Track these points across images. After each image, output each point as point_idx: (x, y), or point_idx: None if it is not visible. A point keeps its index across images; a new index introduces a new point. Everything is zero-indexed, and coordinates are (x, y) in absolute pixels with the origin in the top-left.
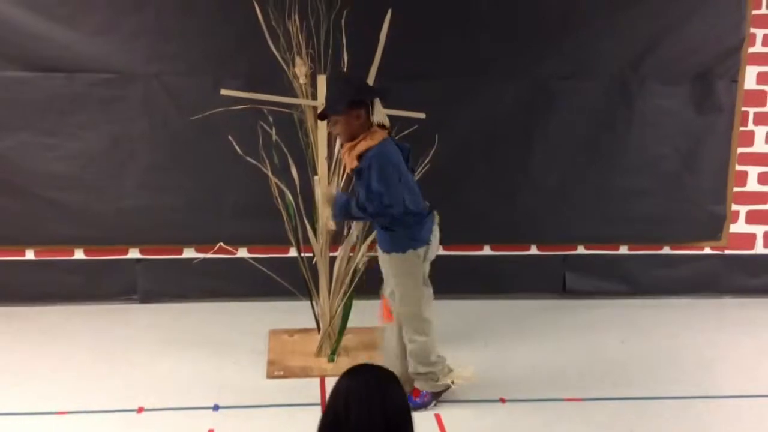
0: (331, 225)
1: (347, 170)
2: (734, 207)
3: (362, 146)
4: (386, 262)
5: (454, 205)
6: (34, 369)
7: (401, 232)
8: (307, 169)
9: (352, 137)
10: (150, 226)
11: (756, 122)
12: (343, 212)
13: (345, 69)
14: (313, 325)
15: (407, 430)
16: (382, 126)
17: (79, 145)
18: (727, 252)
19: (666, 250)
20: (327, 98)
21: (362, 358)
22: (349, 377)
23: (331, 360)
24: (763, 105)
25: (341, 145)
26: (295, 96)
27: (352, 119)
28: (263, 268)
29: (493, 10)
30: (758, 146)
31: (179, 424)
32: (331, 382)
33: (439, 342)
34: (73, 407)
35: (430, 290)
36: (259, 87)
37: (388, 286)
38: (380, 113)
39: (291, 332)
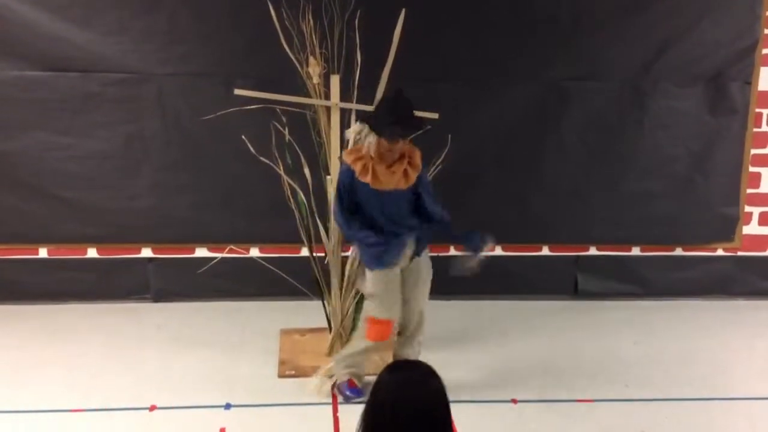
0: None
1: (404, 185)
2: (747, 209)
3: (418, 156)
4: (424, 262)
5: (466, 206)
6: (47, 367)
7: None
8: (320, 168)
9: (399, 154)
10: (162, 225)
11: None
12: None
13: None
14: (325, 324)
15: (447, 422)
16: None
17: (93, 145)
18: (740, 254)
19: (678, 251)
20: (415, 115)
21: (373, 358)
22: (390, 371)
23: None
24: None
25: (373, 160)
26: (308, 96)
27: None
28: (274, 268)
29: (506, 12)
30: None
31: (191, 423)
32: None
33: (453, 342)
34: (85, 405)
35: None
36: (272, 87)
37: (415, 297)
38: None
39: (302, 332)
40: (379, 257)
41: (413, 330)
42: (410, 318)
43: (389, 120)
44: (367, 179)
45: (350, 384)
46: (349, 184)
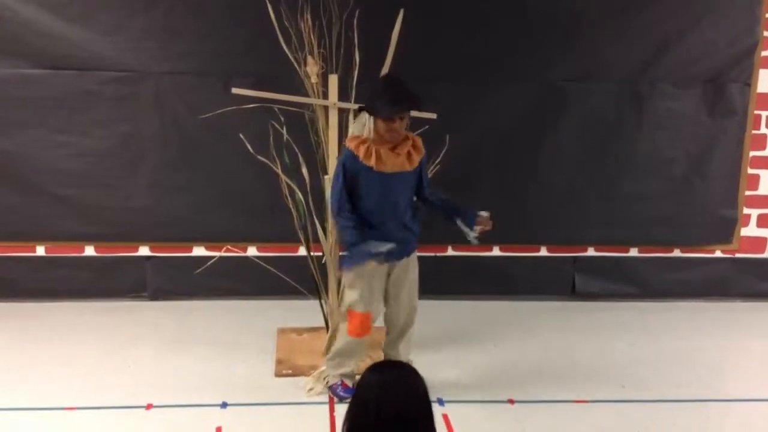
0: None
1: (408, 167)
2: (746, 210)
3: (420, 141)
4: (412, 263)
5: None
6: (44, 365)
7: None
8: (318, 168)
9: (401, 136)
10: (160, 223)
11: None
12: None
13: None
14: (322, 324)
15: (429, 422)
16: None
17: (90, 143)
18: (738, 255)
19: (677, 253)
20: (410, 92)
21: (370, 357)
22: (374, 372)
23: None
24: None
25: (375, 145)
26: (306, 95)
27: (409, 118)
28: (272, 268)
29: (505, 13)
30: None
31: (187, 421)
32: None
33: (450, 342)
34: (82, 403)
35: None
36: (270, 86)
37: (400, 297)
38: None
39: (299, 331)
40: (352, 256)
41: (401, 330)
42: (396, 318)
43: (383, 100)
44: (371, 162)
45: (343, 385)
46: (351, 170)
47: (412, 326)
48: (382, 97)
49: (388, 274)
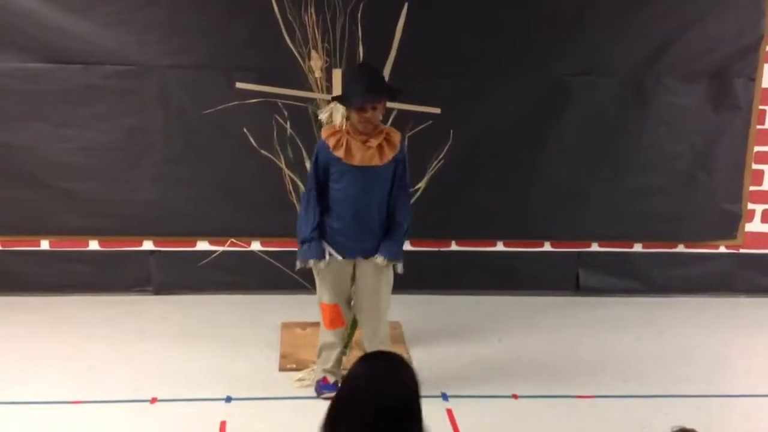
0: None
1: (378, 161)
2: (750, 206)
3: (397, 136)
4: (381, 269)
5: (468, 201)
6: (48, 359)
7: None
8: None
9: (375, 127)
10: (164, 217)
11: None
12: (401, 248)
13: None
14: None
15: (418, 413)
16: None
17: (94, 137)
18: (742, 251)
19: (680, 248)
20: (384, 82)
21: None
22: (364, 362)
23: (343, 353)
24: None
25: (347, 136)
26: (310, 90)
27: (383, 109)
28: (275, 262)
29: (509, 6)
30: None
31: (192, 415)
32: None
33: (454, 337)
34: (86, 397)
35: None
36: (273, 80)
37: (366, 295)
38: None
39: (303, 326)
40: (302, 251)
41: (370, 327)
42: (359, 313)
43: (355, 90)
44: (340, 153)
45: (324, 380)
46: (324, 162)
47: (380, 323)
48: (355, 86)
49: (354, 268)
